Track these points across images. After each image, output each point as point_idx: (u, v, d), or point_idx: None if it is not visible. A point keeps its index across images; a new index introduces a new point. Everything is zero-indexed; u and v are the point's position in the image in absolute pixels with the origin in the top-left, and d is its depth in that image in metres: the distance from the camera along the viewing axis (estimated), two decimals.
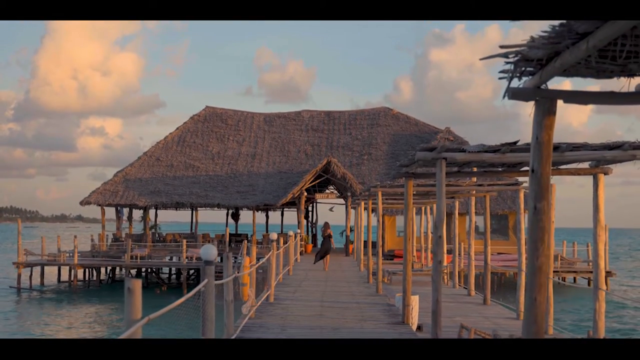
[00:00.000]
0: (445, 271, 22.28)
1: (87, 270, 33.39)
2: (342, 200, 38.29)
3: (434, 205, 16.28)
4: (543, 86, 4.04)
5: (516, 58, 3.64)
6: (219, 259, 26.85)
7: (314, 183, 36.39)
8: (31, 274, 32.62)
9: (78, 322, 22.79)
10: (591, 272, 29.82)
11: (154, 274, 33.86)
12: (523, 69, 3.84)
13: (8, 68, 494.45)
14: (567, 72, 3.80)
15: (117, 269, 35.31)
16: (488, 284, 15.66)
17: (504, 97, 3.92)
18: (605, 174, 9.92)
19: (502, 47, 3.47)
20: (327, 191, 40.35)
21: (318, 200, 41.39)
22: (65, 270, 33.49)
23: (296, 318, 11.46)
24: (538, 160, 4.07)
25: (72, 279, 32.06)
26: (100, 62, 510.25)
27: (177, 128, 43.02)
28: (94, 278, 33.64)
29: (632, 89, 4.23)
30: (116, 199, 36.95)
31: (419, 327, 11.45)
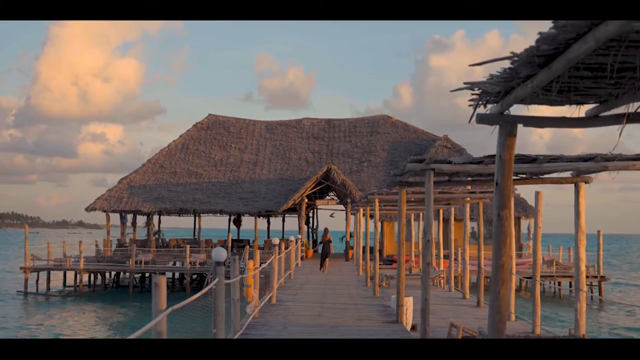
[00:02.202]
0: (442, 275, 22.96)
1: (91, 275, 34.15)
2: (342, 207, 38.92)
3: (432, 212, 16.88)
4: (506, 112, 4.79)
5: (480, 91, 4.38)
6: None
7: (314, 190, 37.07)
8: (37, 279, 33.37)
9: (83, 324, 23.46)
10: (587, 277, 30.44)
11: None
12: (487, 98, 4.59)
13: (9, 74, 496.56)
14: (524, 101, 4.55)
15: (122, 274, 36.06)
16: (482, 287, 16.36)
17: (470, 121, 4.67)
18: (586, 182, 10.68)
19: (465, 83, 4.21)
20: (327, 198, 41.04)
21: (318, 207, 42.04)
22: (70, 275, 34.25)
23: (297, 318, 12.16)
24: (501, 176, 4.80)
25: (77, 283, 32.84)
26: (101, 68, 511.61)
27: (181, 136, 43.78)
28: (99, 283, 34.39)
29: (583, 114, 4.98)
30: (121, 205, 37.69)
31: (413, 327, 12.13)
